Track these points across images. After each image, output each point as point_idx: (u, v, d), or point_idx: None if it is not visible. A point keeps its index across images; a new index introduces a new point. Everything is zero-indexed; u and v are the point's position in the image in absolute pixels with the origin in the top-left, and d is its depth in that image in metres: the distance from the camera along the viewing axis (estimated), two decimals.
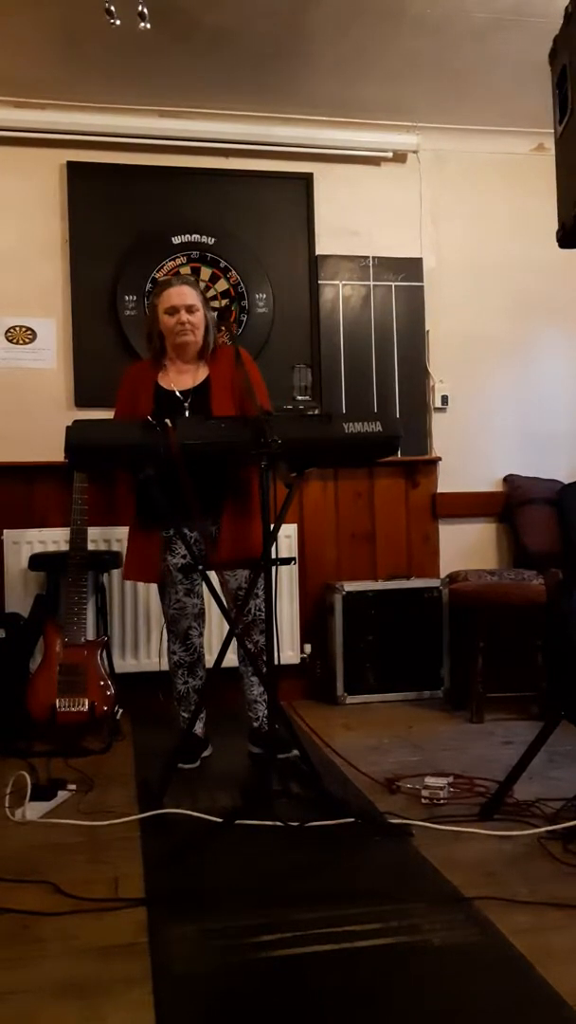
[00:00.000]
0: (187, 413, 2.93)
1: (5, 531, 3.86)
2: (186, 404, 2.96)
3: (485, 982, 1.60)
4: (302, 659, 4.08)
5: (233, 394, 2.97)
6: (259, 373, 3.06)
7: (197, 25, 3.44)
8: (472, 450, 4.36)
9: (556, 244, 2.25)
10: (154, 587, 3.19)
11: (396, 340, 4.29)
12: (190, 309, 2.94)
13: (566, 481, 4.30)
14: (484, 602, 3.68)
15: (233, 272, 4.16)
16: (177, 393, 2.98)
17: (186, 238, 4.13)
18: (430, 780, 2.60)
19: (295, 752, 2.73)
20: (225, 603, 2.71)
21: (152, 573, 2.99)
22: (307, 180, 4.24)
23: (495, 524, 4.39)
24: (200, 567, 2.76)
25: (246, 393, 2.76)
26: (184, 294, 2.95)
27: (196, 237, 4.13)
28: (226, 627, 2.75)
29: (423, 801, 2.54)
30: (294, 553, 4.05)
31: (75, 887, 2.01)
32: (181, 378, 3.02)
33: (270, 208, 4.22)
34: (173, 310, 2.95)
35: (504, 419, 4.40)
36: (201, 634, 3.07)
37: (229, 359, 2.98)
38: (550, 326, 4.45)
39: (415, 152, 4.32)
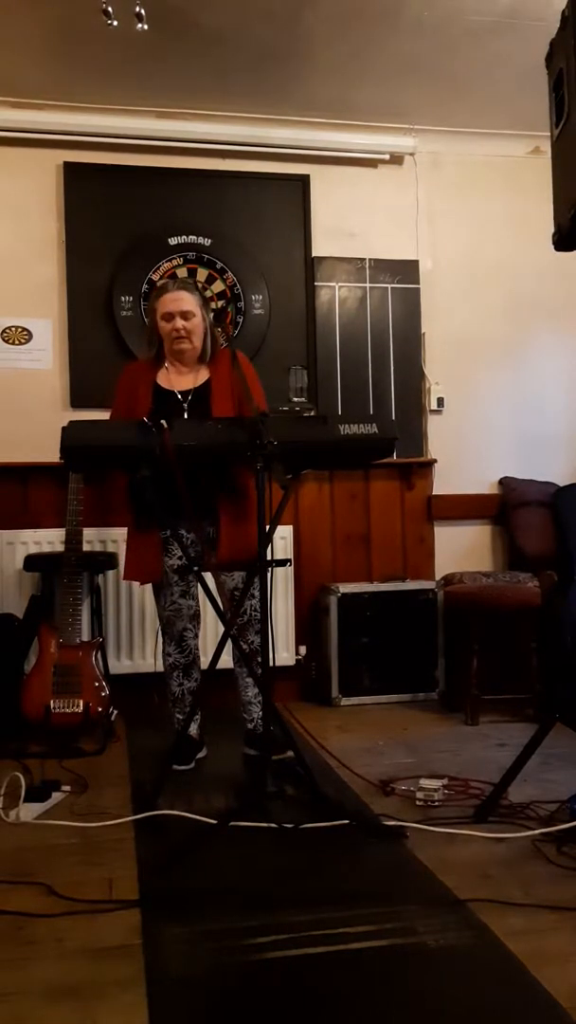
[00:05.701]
0: (186, 415, 2.92)
1: (0, 532, 3.85)
2: (185, 405, 2.95)
3: (479, 984, 1.60)
4: (297, 660, 4.08)
5: (233, 397, 2.95)
6: (256, 375, 3.05)
7: (194, 26, 3.44)
8: (468, 452, 4.37)
9: (552, 246, 2.26)
10: (150, 588, 3.19)
11: (392, 342, 4.29)
12: (186, 316, 2.91)
13: (561, 483, 4.31)
14: (479, 604, 3.69)
15: (229, 274, 4.16)
16: (177, 394, 2.97)
17: (183, 239, 4.12)
18: (425, 782, 2.60)
19: (290, 753, 2.73)
20: (220, 604, 2.71)
21: (152, 573, 2.98)
22: (304, 182, 4.25)
23: (490, 526, 4.39)
24: (196, 569, 2.75)
25: (243, 395, 2.75)
26: (180, 300, 2.91)
27: (193, 238, 4.13)
28: (221, 628, 2.75)
29: (418, 803, 2.54)
30: (289, 555, 4.04)
31: (69, 889, 2.00)
32: (181, 379, 3.00)
33: (267, 210, 4.22)
34: (169, 316, 2.92)
35: (500, 421, 4.41)
36: (196, 636, 3.06)
37: (228, 361, 2.96)
38: (546, 328, 4.46)
39: (412, 154, 4.33)
